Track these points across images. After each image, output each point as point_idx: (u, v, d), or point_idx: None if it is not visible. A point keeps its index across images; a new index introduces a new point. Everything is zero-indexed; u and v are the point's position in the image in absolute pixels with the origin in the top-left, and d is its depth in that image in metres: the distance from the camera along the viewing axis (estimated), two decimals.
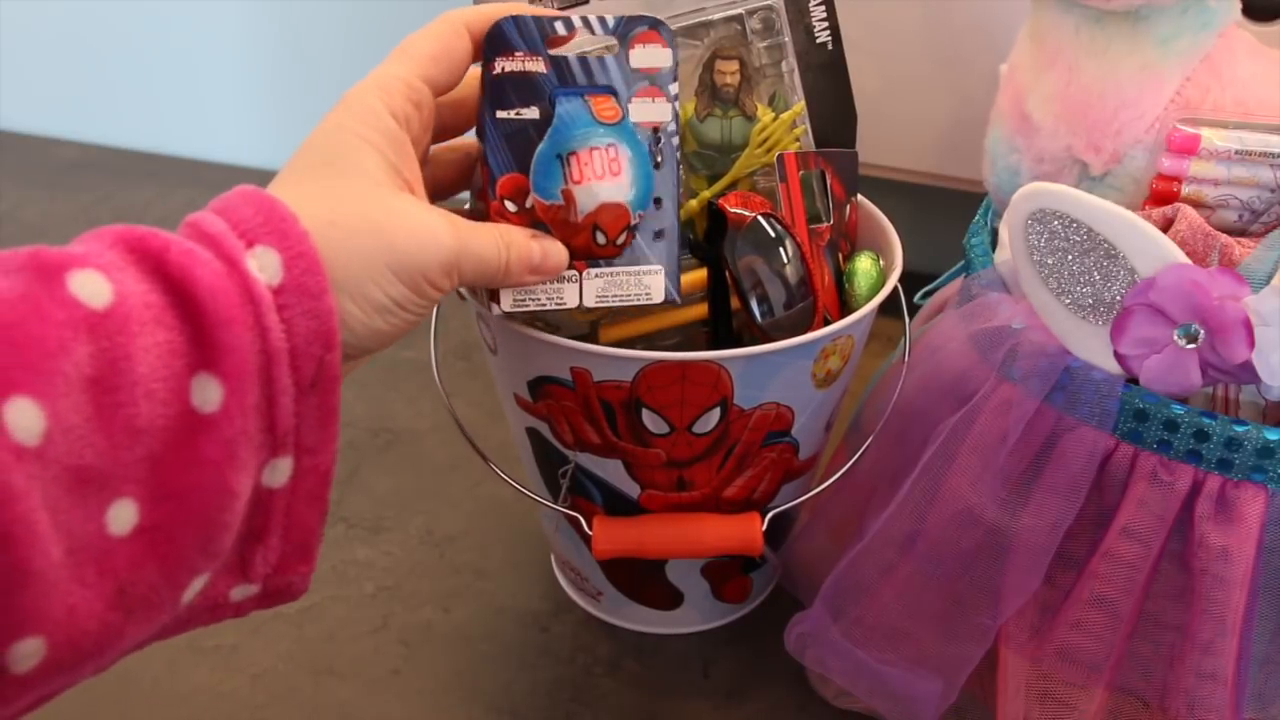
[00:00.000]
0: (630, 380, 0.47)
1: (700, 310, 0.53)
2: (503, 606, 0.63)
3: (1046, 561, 0.45)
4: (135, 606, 0.31)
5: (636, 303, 0.46)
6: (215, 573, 0.33)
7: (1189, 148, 0.48)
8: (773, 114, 0.54)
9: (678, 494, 0.52)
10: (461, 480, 0.72)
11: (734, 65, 0.54)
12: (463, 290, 0.49)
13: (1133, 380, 0.43)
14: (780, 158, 0.53)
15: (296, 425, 0.34)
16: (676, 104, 0.44)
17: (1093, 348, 0.44)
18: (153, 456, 0.30)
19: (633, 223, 0.44)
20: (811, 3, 0.54)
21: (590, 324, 0.52)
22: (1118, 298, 0.43)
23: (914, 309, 0.58)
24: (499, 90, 0.42)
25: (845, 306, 0.54)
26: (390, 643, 0.60)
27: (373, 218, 0.37)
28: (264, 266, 0.33)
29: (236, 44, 1.08)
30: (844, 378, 0.53)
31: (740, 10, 0.54)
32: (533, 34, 0.41)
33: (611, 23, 0.42)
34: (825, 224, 0.54)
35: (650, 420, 0.49)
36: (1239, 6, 0.50)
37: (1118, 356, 0.43)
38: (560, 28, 0.42)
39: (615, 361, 0.47)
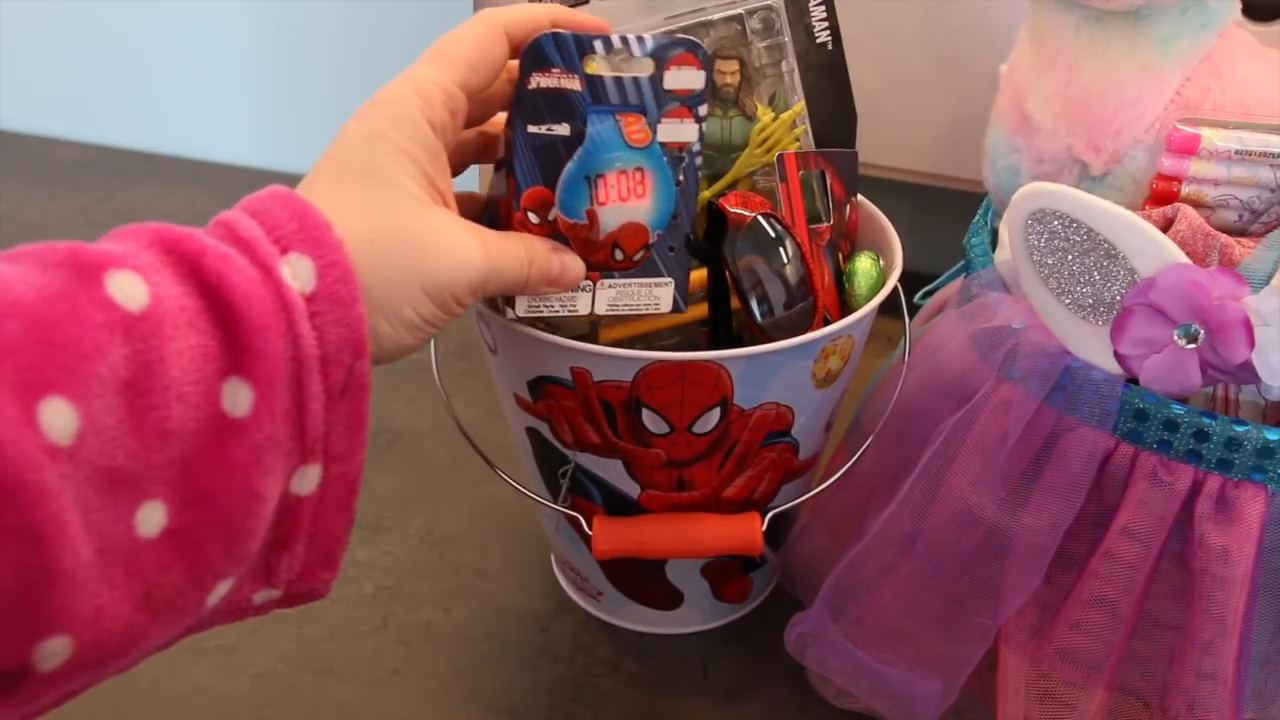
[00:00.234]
0: (630, 380, 0.47)
1: (700, 310, 0.53)
2: (503, 606, 0.63)
3: (1046, 561, 0.45)
4: (161, 608, 0.31)
5: (645, 312, 0.47)
6: (240, 577, 0.33)
7: (1189, 148, 0.48)
8: (773, 114, 0.54)
9: (678, 494, 0.52)
10: (461, 480, 0.72)
11: (734, 65, 0.54)
12: None
13: (1133, 380, 0.43)
14: (780, 157, 0.53)
15: (326, 433, 0.34)
16: (704, 125, 0.44)
17: (1093, 348, 0.44)
18: (183, 459, 0.30)
19: (651, 241, 0.45)
20: (811, 3, 0.54)
21: (590, 324, 0.52)
22: (1118, 298, 0.43)
23: (914, 309, 0.58)
24: (532, 105, 0.42)
25: (845, 306, 0.54)
26: (390, 643, 0.60)
27: (410, 237, 0.37)
28: (297, 274, 0.33)
29: (237, 44, 1.08)
30: (844, 378, 0.53)
31: (740, 10, 0.54)
32: (571, 52, 0.41)
33: (650, 45, 0.42)
34: (825, 224, 0.54)
35: (650, 420, 0.49)
36: (1239, 6, 0.50)
37: (1118, 356, 0.43)
38: (600, 47, 0.41)
39: (615, 361, 0.47)
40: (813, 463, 0.57)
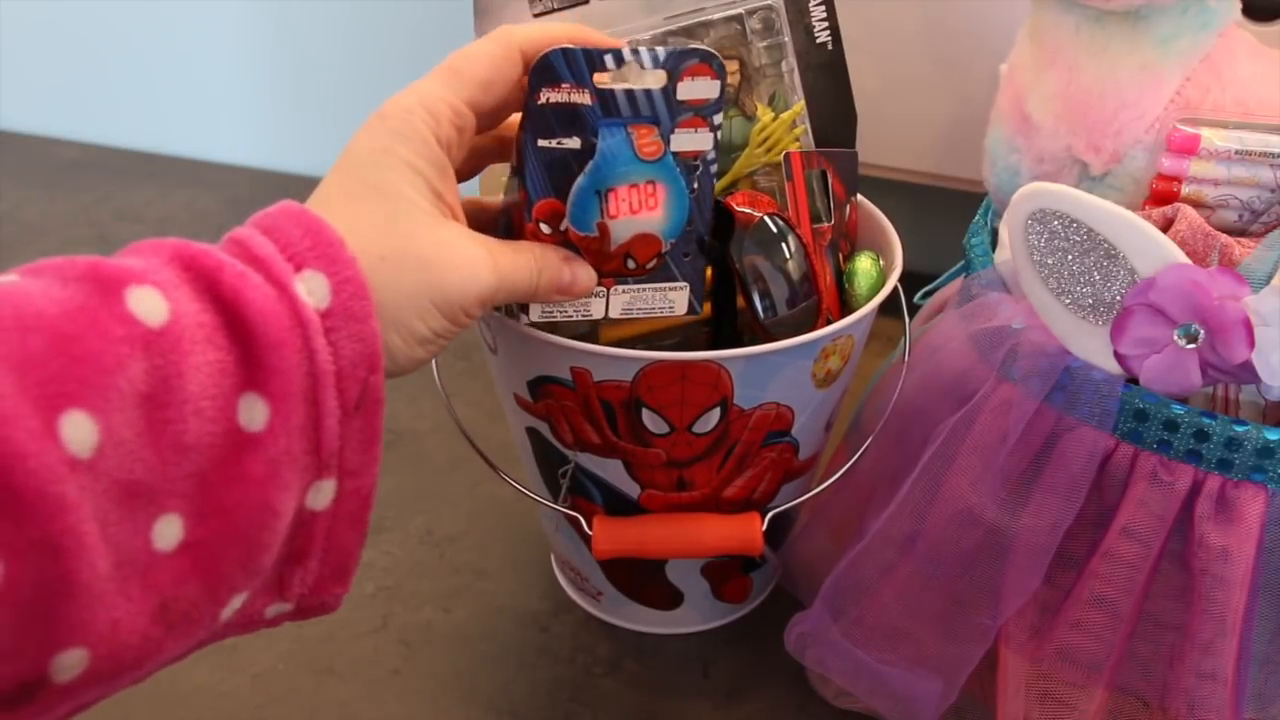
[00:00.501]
0: (630, 380, 0.47)
1: (704, 310, 0.53)
2: (503, 606, 0.63)
3: (1046, 561, 0.45)
4: (176, 621, 0.31)
5: (659, 315, 0.47)
6: (254, 591, 0.34)
7: (1189, 148, 0.48)
8: (773, 114, 0.54)
9: (678, 494, 0.52)
10: (461, 480, 0.72)
11: (734, 65, 0.54)
12: None
13: (1133, 380, 0.43)
14: (786, 156, 0.53)
15: (340, 447, 0.34)
16: (719, 133, 0.44)
17: (1093, 348, 0.44)
18: (199, 473, 0.31)
19: (664, 250, 0.45)
20: (811, 3, 0.54)
21: (591, 324, 0.52)
22: (1118, 298, 0.43)
23: (914, 309, 0.58)
24: (542, 119, 0.42)
25: (845, 306, 0.54)
26: (390, 643, 0.60)
27: (421, 252, 0.37)
28: (312, 290, 0.33)
29: (236, 44, 1.08)
30: (844, 378, 0.53)
31: (740, 10, 0.54)
32: (580, 67, 0.41)
33: (662, 56, 0.42)
34: (826, 224, 0.54)
35: (650, 420, 0.49)
36: (1239, 6, 0.50)
37: (1118, 356, 0.43)
38: (610, 61, 0.41)
39: (615, 361, 0.47)
40: (813, 463, 0.57)
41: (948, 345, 0.50)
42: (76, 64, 1.13)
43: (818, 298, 0.51)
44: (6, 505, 0.26)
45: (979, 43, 0.74)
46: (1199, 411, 0.42)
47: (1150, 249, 0.42)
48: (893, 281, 0.52)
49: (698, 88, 0.42)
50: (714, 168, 0.44)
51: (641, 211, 0.44)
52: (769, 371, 0.48)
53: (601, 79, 0.42)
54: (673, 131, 0.43)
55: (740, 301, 0.51)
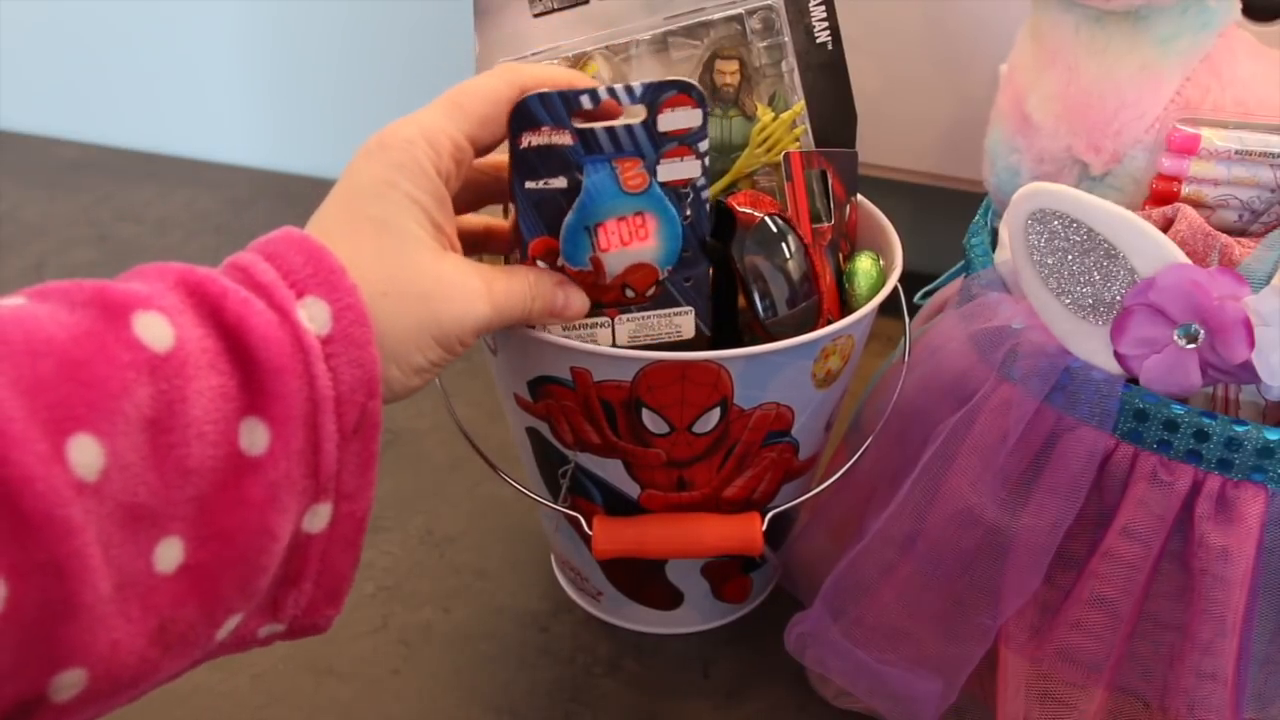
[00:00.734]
0: (630, 380, 0.47)
1: None
2: (502, 606, 0.63)
3: (1046, 561, 0.45)
4: (174, 643, 0.31)
5: (668, 340, 0.48)
6: (249, 613, 0.34)
7: (1189, 148, 0.48)
8: (773, 114, 0.54)
9: (678, 494, 0.52)
10: (461, 480, 0.72)
11: (734, 65, 0.54)
12: None
13: (1133, 380, 0.43)
14: (786, 156, 0.53)
15: (338, 471, 0.35)
16: (707, 159, 0.44)
17: (1093, 348, 0.44)
18: (201, 496, 0.31)
19: (661, 278, 0.46)
20: (811, 3, 0.54)
21: None
22: (1118, 298, 0.43)
23: (914, 309, 0.58)
24: (526, 163, 0.43)
25: (845, 306, 0.54)
26: (390, 643, 0.60)
27: (420, 287, 0.38)
28: (313, 317, 0.34)
29: (236, 44, 1.08)
30: (844, 378, 0.53)
31: (740, 10, 0.54)
32: (558, 109, 0.42)
33: (639, 90, 0.42)
34: (826, 224, 0.54)
35: (650, 420, 0.49)
36: (1239, 6, 0.50)
37: (1118, 356, 0.43)
38: (586, 101, 0.42)
39: (615, 361, 0.47)
40: (813, 463, 0.57)
41: (948, 345, 0.50)
42: (76, 64, 1.13)
43: (818, 297, 0.51)
44: (14, 528, 0.27)
45: (979, 43, 0.74)
46: (1199, 411, 0.42)
47: (1150, 249, 0.42)
48: (893, 281, 0.52)
49: (679, 118, 0.43)
50: (705, 193, 0.45)
51: (633, 243, 0.45)
52: (769, 371, 0.48)
53: (580, 119, 0.43)
54: (658, 163, 0.44)
55: (741, 301, 0.51)
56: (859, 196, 0.57)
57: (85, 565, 0.28)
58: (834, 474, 0.54)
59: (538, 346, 0.48)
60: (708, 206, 0.46)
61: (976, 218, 0.55)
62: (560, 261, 0.45)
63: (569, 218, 0.44)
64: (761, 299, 0.49)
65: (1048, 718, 0.47)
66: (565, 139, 0.42)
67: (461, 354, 0.40)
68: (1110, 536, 0.44)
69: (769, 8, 0.54)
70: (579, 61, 0.53)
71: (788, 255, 0.50)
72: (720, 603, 0.61)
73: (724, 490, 0.53)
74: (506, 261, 0.51)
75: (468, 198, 0.46)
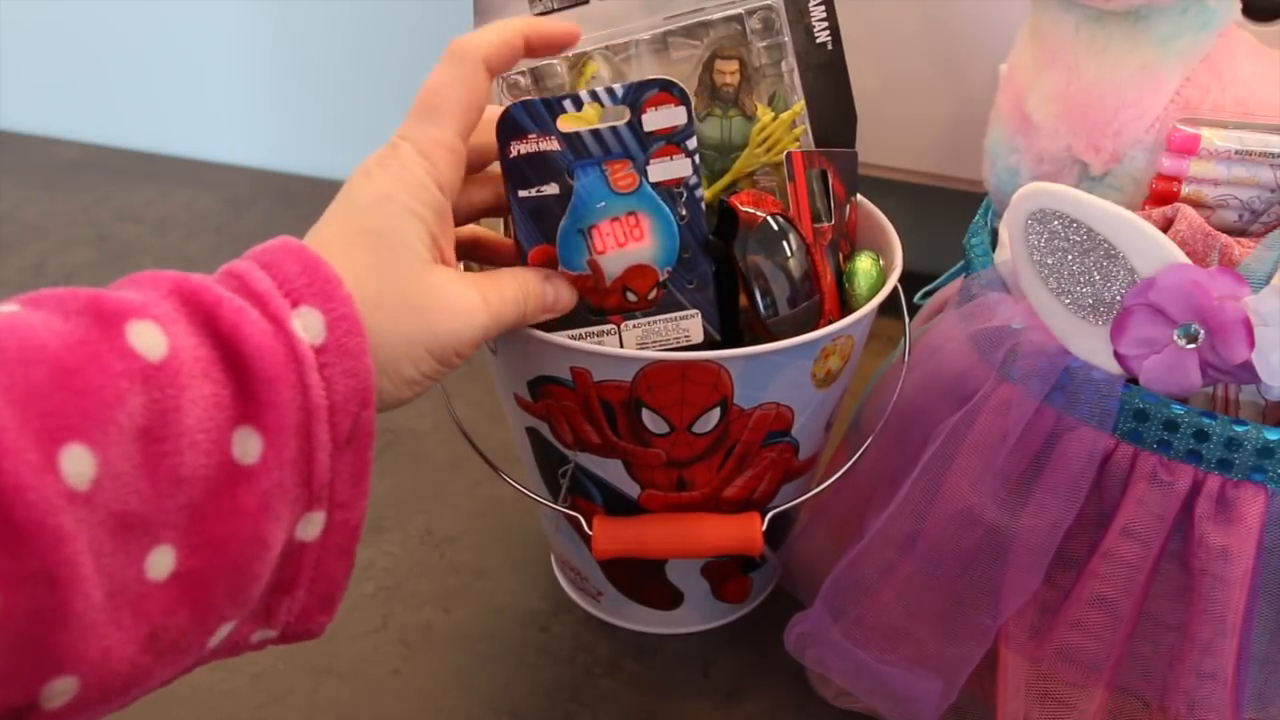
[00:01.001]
0: (630, 380, 0.47)
1: None
2: (502, 606, 0.63)
3: (1046, 561, 0.45)
4: (165, 650, 0.31)
5: (676, 344, 0.48)
6: (241, 620, 0.34)
7: (1189, 148, 0.48)
8: (773, 114, 0.54)
9: (678, 494, 0.52)
10: (461, 480, 0.72)
11: (734, 65, 0.54)
12: None
13: (1133, 380, 0.43)
14: (789, 156, 0.53)
15: (331, 480, 0.35)
16: (696, 157, 0.45)
17: (1093, 348, 0.44)
18: (193, 505, 0.31)
19: (661, 279, 0.46)
20: (811, 3, 0.54)
21: None
22: (1118, 298, 0.43)
23: (914, 309, 0.58)
24: (517, 172, 0.43)
25: (845, 306, 0.54)
26: (390, 643, 0.60)
27: (416, 300, 0.38)
28: (308, 326, 0.34)
29: (236, 44, 1.08)
30: (844, 378, 0.53)
31: (740, 10, 0.54)
32: (542, 115, 0.43)
33: (620, 92, 0.43)
34: (826, 224, 0.54)
35: (650, 420, 0.49)
36: (1239, 6, 0.50)
37: (1118, 356, 0.43)
38: (569, 106, 0.43)
39: (615, 361, 0.47)
40: (813, 463, 0.57)
41: (948, 345, 0.50)
42: (76, 64, 1.13)
43: (820, 297, 0.51)
44: (5, 537, 0.27)
45: (979, 43, 0.74)
46: (1199, 411, 0.42)
47: (1150, 249, 0.42)
48: (893, 281, 0.52)
49: (662, 117, 0.44)
50: (699, 192, 0.45)
51: (628, 243, 0.45)
52: (769, 371, 0.48)
53: (566, 123, 0.43)
54: (648, 163, 0.44)
55: (743, 300, 0.51)
56: (859, 196, 0.57)
57: (77, 574, 0.28)
58: (834, 474, 0.54)
59: (538, 346, 0.48)
60: (704, 205, 0.46)
61: (976, 218, 0.55)
62: (559, 268, 0.45)
63: (563, 222, 0.44)
64: (763, 298, 0.49)
65: (1048, 718, 0.47)
66: (553, 145, 0.43)
67: (459, 366, 0.40)
68: (1110, 536, 0.44)
69: (769, 8, 0.54)
70: (578, 61, 0.53)
71: (789, 254, 0.50)
72: (720, 603, 0.61)
73: (724, 490, 0.53)
74: None
75: (467, 211, 0.46)
